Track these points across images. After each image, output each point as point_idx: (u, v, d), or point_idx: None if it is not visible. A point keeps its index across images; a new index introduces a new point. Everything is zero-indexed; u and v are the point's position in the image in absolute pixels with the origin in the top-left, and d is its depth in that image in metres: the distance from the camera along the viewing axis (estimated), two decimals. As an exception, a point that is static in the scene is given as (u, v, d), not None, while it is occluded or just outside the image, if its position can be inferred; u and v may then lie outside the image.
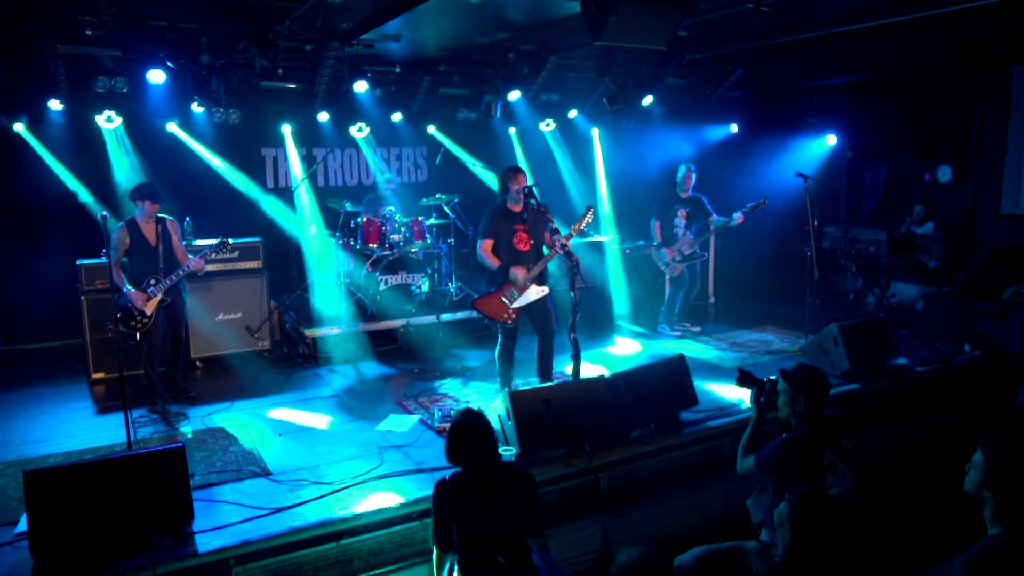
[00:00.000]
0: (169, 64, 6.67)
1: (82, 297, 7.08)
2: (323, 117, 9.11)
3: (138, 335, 6.18)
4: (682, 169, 8.66)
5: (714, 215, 8.68)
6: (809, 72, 9.51)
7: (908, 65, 8.96)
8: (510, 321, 6.08)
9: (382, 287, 8.31)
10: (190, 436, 5.70)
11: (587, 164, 11.13)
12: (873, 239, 9.13)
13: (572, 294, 5.64)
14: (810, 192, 7.47)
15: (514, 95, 8.68)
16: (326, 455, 5.30)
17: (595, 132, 11.04)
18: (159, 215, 6.33)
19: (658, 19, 4.82)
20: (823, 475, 3.78)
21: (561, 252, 5.70)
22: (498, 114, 9.55)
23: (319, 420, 6.08)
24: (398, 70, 8.34)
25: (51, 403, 6.58)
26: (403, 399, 6.49)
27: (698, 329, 8.90)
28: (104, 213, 4.93)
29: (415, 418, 6.00)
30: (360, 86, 7.60)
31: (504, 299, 6.06)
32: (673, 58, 8.49)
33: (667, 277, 8.90)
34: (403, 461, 5.17)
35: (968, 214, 8.54)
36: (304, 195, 9.31)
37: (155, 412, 6.23)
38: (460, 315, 8.61)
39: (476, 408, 3.82)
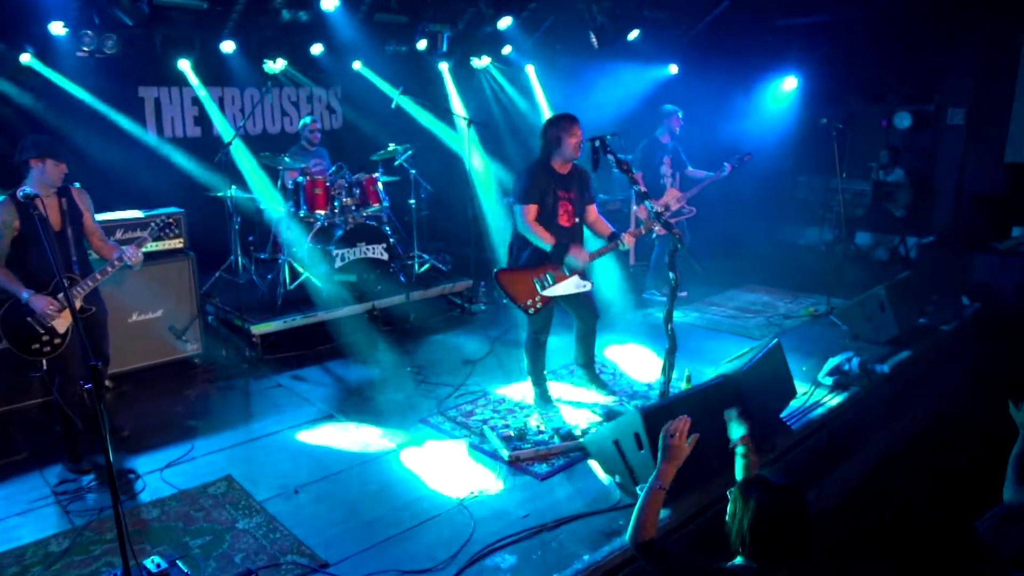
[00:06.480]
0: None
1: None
2: (228, 47, 7.06)
3: (44, 362, 4.20)
4: (668, 109, 7.46)
5: (689, 166, 7.74)
6: (789, 7, 8.77)
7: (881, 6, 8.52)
8: (533, 310, 4.77)
9: (338, 263, 6.60)
10: (161, 511, 3.92)
11: (527, 105, 9.79)
12: (857, 189, 8.69)
13: (672, 274, 4.45)
14: (835, 140, 6.74)
15: (504, 22, 7.11)
16: (384, 520, 3.78)
17: (530, 69, 9.67)
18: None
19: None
20: None
21: (657, 225, 4.50)
22: (444, 47, 8.00)
23: (334, 460, 4.45)
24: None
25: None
26: (427, 416, 5.01)
27: (685, 293, 8.02)
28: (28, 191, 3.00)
29: (463, 444, 4.60)
30: (329, 2, 5.69)
31: (537, 282, 4.77)
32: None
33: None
34: (500, 518, 3.81)
35: (960, 161, 8.30)
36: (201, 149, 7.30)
37: (80, 471, 4.31)
38: (432, 291, 7.17)
39: (775, 479, 2.60)
